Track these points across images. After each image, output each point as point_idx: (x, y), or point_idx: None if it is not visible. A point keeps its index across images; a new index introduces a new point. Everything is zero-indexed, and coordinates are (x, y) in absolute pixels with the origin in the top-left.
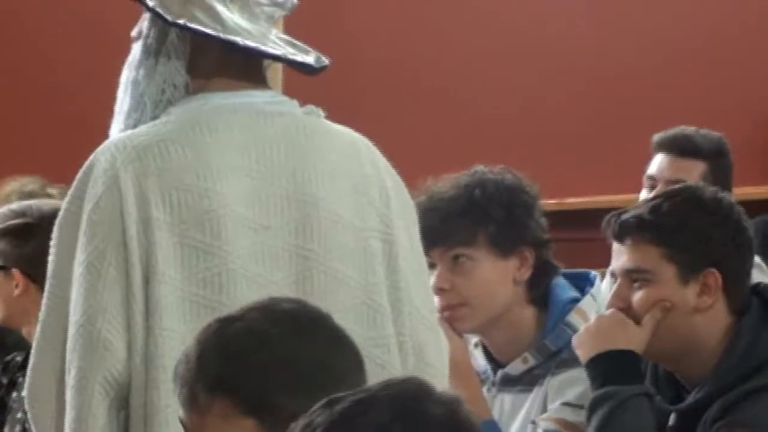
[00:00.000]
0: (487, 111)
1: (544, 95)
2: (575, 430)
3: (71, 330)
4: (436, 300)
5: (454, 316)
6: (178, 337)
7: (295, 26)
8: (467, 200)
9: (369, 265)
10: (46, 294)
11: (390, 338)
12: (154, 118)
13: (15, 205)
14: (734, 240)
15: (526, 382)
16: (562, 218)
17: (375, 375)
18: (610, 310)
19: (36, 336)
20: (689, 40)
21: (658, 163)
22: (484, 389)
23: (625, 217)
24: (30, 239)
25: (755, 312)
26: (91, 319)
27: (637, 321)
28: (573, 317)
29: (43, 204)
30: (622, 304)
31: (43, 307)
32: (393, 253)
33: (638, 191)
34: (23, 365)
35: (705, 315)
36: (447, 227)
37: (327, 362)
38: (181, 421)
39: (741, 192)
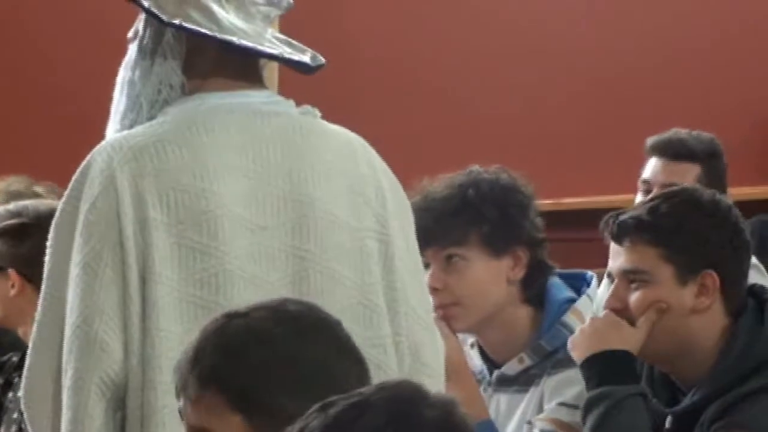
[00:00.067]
0: (484, 111)
1: (542, 95)
2: (571, 431)
3: (68, 331)
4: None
5: (446, 315)
6: (174, 338)
7: (292, 26)
8: (460, 200)
9: (365, 265)
10: (42, 294)
11: (386, 338)
12: (151, 118)
13: (11, 206)
14: (732, 242)
15: (522, 382)
16: (558, 218)
17: (371, 375)
18: (605, 312)
19: (32, 336)
20: (688, 41)
21: (652, 167)
22: (480, 389)
23: (623, 217)
24: (26, 239)
25: (751, 313)
26: (88, 320)
27: (634, 322)
28: (569, 317)
29: (39, 204)
30: (619, 305)
31: (39, 308)
32: (389, 254)
33: (636, 192)
34: (19, 365)
35: (702, 316)
36: (440, 227)
37: (325, 367)
38: (179, 410)
39: (738, 192)
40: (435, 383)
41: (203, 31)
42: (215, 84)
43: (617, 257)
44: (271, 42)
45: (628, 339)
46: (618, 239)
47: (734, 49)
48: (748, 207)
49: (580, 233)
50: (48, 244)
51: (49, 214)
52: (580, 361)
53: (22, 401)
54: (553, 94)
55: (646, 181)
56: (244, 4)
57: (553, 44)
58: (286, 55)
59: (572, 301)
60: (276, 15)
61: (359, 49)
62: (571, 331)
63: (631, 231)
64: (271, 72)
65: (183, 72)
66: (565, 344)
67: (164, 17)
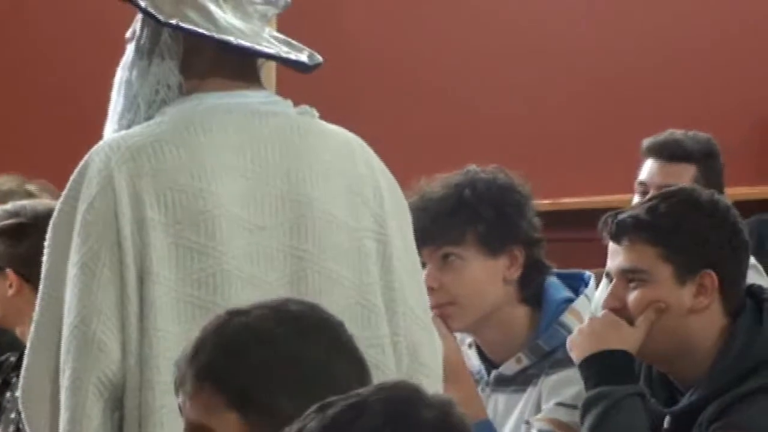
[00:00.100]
0: (483, 111)
1: (541, 95)
2: (569, 431)
3: (65, 331)
4: None
5: (443, 314)
6: (172, 338)
7: (290, 25)
8: (456, 199)
9: (363, 265)
10: (40, 294)
11: (384, 338)
12: (148, 118)
13: (9, 205)
14: (731, 242)
15: (519, 382)
16: (557, 218)
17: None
18: (604, 311)
19: (30, 336)
20: (688, 41)
21: (648, 168)
22: (478, 389)
23: (622, 217)
24: (24, 239)
25: (750, 313)
26: (86, 320)
27: (632, 321)
28: (567, 317)
29: (37, 204)
30: (617, 305)
31: (37, 308)
32: (387, 254)
33: (634, 192)
34: (17, 365)
35: (700, 316)
36: (436, 226)
37: (325, 368)
38: (179, 405)
39: (737, 192)
40: (433, 383)
41: (200, 31)
42: (213, 84)
43: (616, 257)
44: (269, 41)
45: (627, 339)
46: (616, 238)
47: (734, 49)
48: (747, 207)
49: (579, 233)
50: (46, 244)
51: (46, 214)
52: (578, 360)
53: (20, 401)
54: (552, 94)
55: (642, 183)
56: (242, 3)
57: (552, 44)
58: (284, 55)
59: (570, 301)
60: (273, 14)
61: (358, 48)
62: (569, 331)
63: (630, 230)
64: (268, 71)
65: (180, 72)
66: (562, 344)
67: (161, 17)
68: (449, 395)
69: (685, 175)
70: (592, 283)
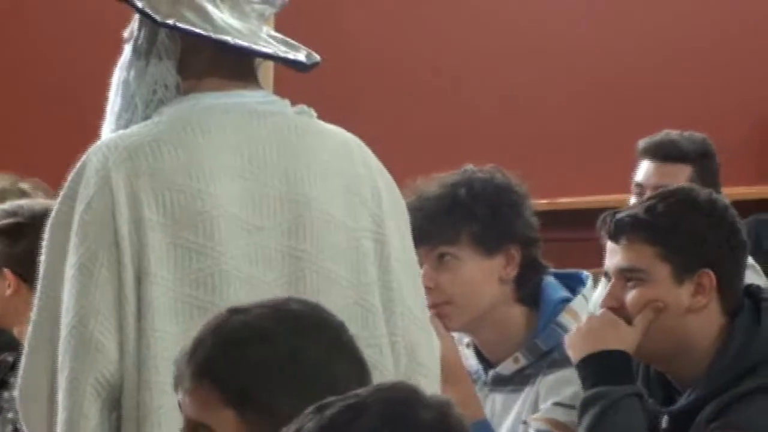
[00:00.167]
0: (482, 111)
1: (539, 95)
2: (567, 430)
3: (63, 331)
4: None
5: (439, 314)
6: (170, 338)
7: (289, 24)
8: (452, 199)
9: (361, 265)
10: (37, 294)
11: (382, 338)
12: (146, 118)
13: (6, 205)
14: (729, 241)
15: (517, 381)
16: (554, 218)
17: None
18: (602, 311)
19: (27, 336)
20: (686, 41)
21: (644, 170)
22: (476, 389)
23: (620, 216)
24: (21, 239)
25: (748, 313)
26: (83, 321)
27: (630, 321)
28: (564, 317)
29: (34, 203)
30: (615, 304)
31: (34, 308)
32: (385, 253)
33: (631, 192)
34: (14, 366)
35: (698, 316)
36: (431, 226)
37: (325, 368)
38: (178, 402)
39: (735, 192)
40: (431, 383)
41: (197, 30)
42: (210, 84)
43: (614, 256)
44: (266, 41)
45: (625, 338)
46: (615, 238)
47: (733, 49)
48: (745, 207)
49: (576, 233)
50: (43, 243)
51: (44, 214)
52: (576, 360)
53: (17, 401)
54: (550, 94)
55: (639, 185)
56: (239, 3)
57: (551, 44)
58: (281, 54)
59: (567, 300)
60: (271, 13)
61: (358, 48)
62: (567, 331)
63: (628, 229)
64: (265, 70)
65: (178, 72)
66: (560, 344)
67: (158, 18)
68: (447, 396)
69: (680, 176)
70: (589, 282)
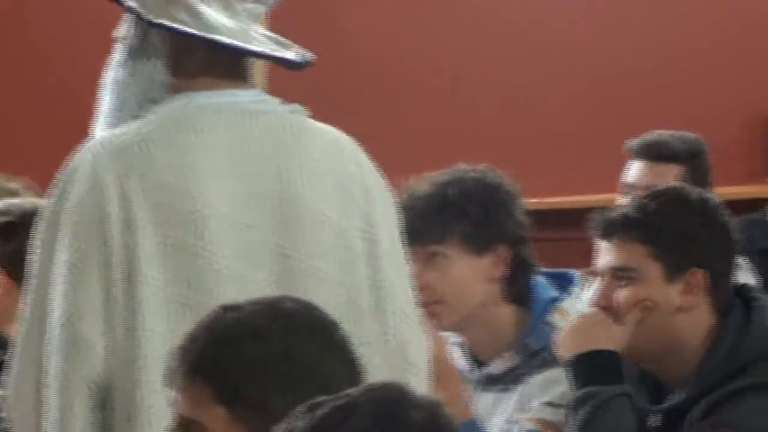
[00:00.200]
0: (474, 111)
1: (533, 95)
2: (557, 430)
3: (52, 330)
4: None
5: (429, 313)
6: (160, 338)
7: (289, 24)
8: (441, 198)
9: (352, 264)
10: (27, 294)
11: (372, 337)
12: (137, 117)
13: None
14: (720, 241)
15: (507, 381)
16: (545, 218)
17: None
18: (592, 309)
19: (17, 336)
20: (685, 41)
21: (634, 170)
22: (466, 388)
23: (611, 214)
24: (12, 238)
25: (738, 313)
26: (73, 320)
27: (620, 319)
28: (554, 316)
29: (25, 202)
30: (605, 302)
31: (23, 307)
32: (376, 253)
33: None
34: (3, 364)
35: (688, 315)
36: (421, 225)
37: (316, 367)
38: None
39: (727, 191)
40: (421, 382)
41: (188, 30)
42: (202, 83)
43: (605, 254)
44: (258, 40)
45: (615, 338)
46: (606, 236)
47: (732, 49)
48: (737, 206)
49: (567, 233)
50: (33, 243)
51: (34, 213)
52: (566, 359)
53: (7, 400)
54: (545, 94)
55: (629, 185)
56: (231, 2)
57: (547, 44)
58: (273, 53)
59: (557, 300)
60: (263, 12)
61: (358, 48)
62: (557, 330)
63: (620, 228)
64: (258, 69)
65: (170, 71)
66: (550, 343)
67: (149, 17)
68: (437, 396)
69: (671, 175)
70: (579, 282)
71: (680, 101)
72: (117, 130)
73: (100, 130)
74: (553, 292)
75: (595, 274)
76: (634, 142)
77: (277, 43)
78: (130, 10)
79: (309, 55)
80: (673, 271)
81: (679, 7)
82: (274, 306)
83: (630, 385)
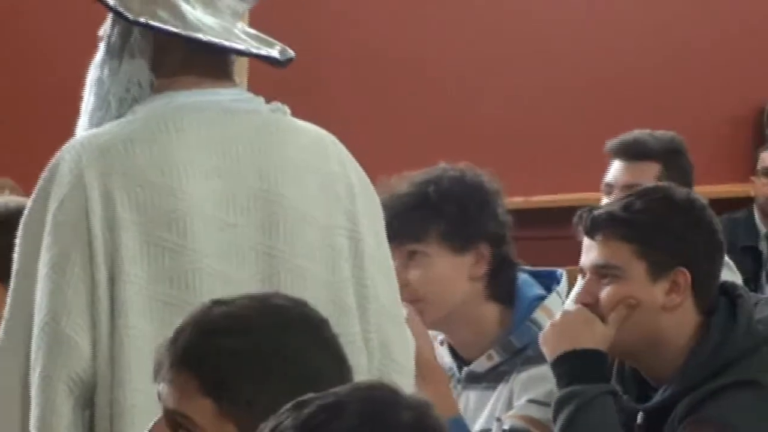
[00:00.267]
0: (460, 110)
1: (517, 94)
2: (541, 427)
3: (36, 329)
4: None
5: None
6: (144, 337)
7: (264, 21)
8: (421, 197)
9: (335, 262)
10: (10, 292)
11: (356, 335)
12: (119, 116)
13: None
14: (705, 240)
15: (491, 379)
16: (530, 216)
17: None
18: (577, 307)
19: (0, 334)
20: (676, 43)
21: (612, 169)
22: (450, 386)
23: (597, 212)
24: None
25: (723, 311)
26: (56, 318)
27: (604, 317)
28: (538, 314)
29: (9, 201)
30: (590, 300)
31: (7, 306)
32: (359, 251)
33: None
34: None
35: (673, 314)
36: (400, 223)
37: (304, 363)
38: (158, 393)
39: (710, 190)
40: (405, 380)
41: (169, 28)
42: (184, 82)
43: (590, 252)
44: (239, 37)
45: (599, 336)
46: (591, 234)
47: (733, 49)
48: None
49: (552, 231)
50: (17, 242)
51: (18, 212)
52: (550, 358)
53: None
54: (529, 92)
55: (608, 184)
56: (213, 0)
57: (543, 44)
58: (254, 50)
59: (542, 298)
60: (245, 9)
61: (357, 47)
62: (541, 328)
63: (605, 226)
64: (240, 66)
65: (152, 70)
66: (534, 341)
67: (130, 16)
68: (426, 396)
69: (648, 173)
70: (564, 280)
71: (666, 101)
72: (99, 130)
73: (83, 129)
74: (539, 290)
75: (580, 271)
76: (611, 142)
77: (260, 40)
78: (111, 8)
79: (291, 53)
80: (658, 270)
81: (668, 10)
82: (264, 301)
83: (621, 383)
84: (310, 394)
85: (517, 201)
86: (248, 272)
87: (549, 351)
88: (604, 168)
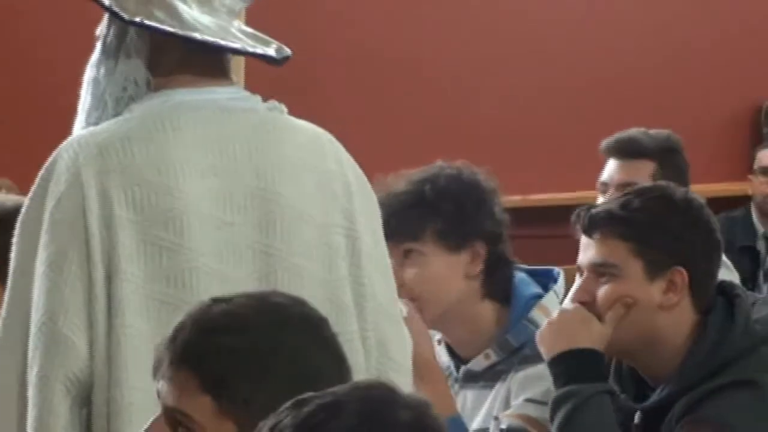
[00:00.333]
0: (456, 109)
1: (514, 93)
2: (539, 426)
3: (33, 328)
4: None
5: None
6: (140, 336)
7: (260, 20)
8: (417, 195)
9: (332, 260)
10: (7, 291)
11: (353, 334)
12: (116, 115)
13: None
14: (703, 240)
15: (488, 378)
16: (528, 215)
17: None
18: (574, 305)
19: None
20: (674, 43)
21: (607, 168)
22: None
23: (595, 211)
24: None
25: (721, 310)
26: (53, 317)
27: (601, 315)
28: (535, 313)
29: (6, 200)
30: (587, 298)
31: (4, 305)
32: (356, 249)
33: None
34: None
35: (670, 313)
36: (397, 222)
37: (302, 362)
38: (157, 391)
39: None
40: (402, 378)
41: (164, 27)
42: (181, 80)
43: (587, 250)
44: (235, 36)
45: (596, 335)
46: (589, 232)
47: (717, 50)
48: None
49: (550, 230)
50: (14, 240)
51: (15, 210)
52: (547, 357)
53: None
54: (526, 91)
55: (603, 183)
56: None
57: (541, 44)
58: (250, 49)
59: (539, 297)
60: (241, 8)
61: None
62: (537, 327)
63: (603, 224)
64: (237, 65)
65: (148, 69)
66: (531, 340)
67: (125, 16)
68: (424, 395)
69: (642, 171)
70: (561, 279)
71: (663, 100)
72: (96, 128)
73: (80, 128)
74: (535, 289)
75: (578, 269)
76: (606, 141)
77: (256, 39)
78: (107, 9)
79: (288, 51)
80: (655, 269)
81: (666, 10)
82: (263, 299)
83: (618, 382)
84: (309, 393)
85: (514, 200)
86: (245, 271)
87: (546, 350)
88: (601, 167)
